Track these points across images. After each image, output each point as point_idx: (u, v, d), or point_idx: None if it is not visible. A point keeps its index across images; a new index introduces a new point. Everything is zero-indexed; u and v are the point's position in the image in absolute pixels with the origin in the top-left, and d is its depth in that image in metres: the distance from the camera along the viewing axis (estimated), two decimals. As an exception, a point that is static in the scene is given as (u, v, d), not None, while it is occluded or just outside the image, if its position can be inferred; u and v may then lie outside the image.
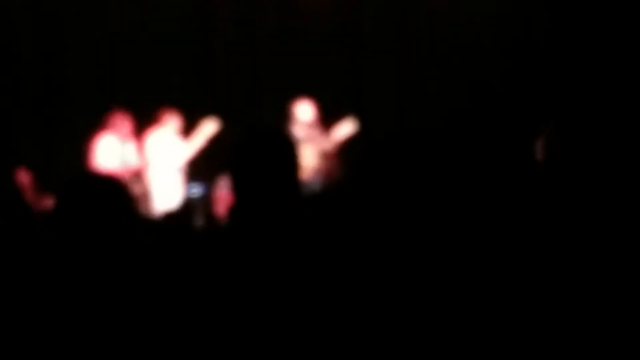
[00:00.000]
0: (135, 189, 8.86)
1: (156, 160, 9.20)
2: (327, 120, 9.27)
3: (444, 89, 9.95)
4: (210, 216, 8.71)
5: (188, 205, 8.86)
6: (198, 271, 2.47)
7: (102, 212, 2.58)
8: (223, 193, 8.80)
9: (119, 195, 2.60)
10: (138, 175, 9.22)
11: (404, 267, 2.34)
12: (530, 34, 10.18)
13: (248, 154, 2.54)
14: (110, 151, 9.04)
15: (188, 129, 9.39)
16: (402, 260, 2.35)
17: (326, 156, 9.15)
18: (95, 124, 9.12)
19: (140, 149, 9.25)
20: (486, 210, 2.41)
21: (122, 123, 9.10)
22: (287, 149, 2.57)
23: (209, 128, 9.24)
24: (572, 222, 2.41)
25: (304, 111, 9.18)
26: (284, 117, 9.10)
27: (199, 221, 8.13)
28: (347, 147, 9.13)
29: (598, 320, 2.32)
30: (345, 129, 9.16)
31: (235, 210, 2.55)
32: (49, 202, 7.88)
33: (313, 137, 9.10)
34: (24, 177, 8.30)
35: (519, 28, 10.21)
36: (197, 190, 9.28)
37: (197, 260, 2.48)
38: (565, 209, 2.43)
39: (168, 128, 9.27)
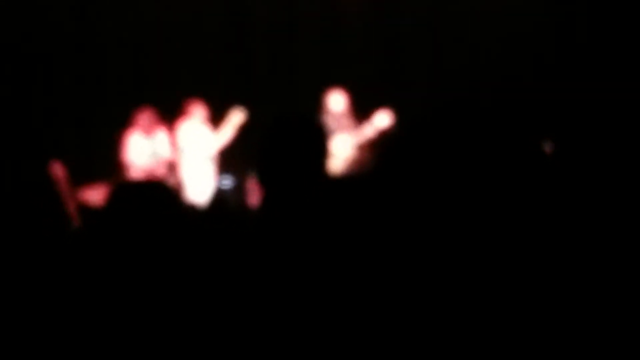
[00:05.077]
0: (170, 182, 8.87)
1: (187, 151, 9.21)
2: (361, 111, 9.22)
3: (478, 83, 9.88)
4: (242, 207, 8.72)
5: (220, 197, 8.86)
6: (230, 259, 2.47)
7: (152, 218, 2.58)
8: (255, 183, 8.80)
9: (169, 202, 2.59)
10: (170, 167, 9.24)
11: (428, 256, 2.32)
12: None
13: (276, 140, 2.53)
14: (140, 147, 9.05)
15: (219, 119, 9.38)
16: (426, 250, 2.32)
17: (360, 147, 9.10)
18: (128, 117, 9.15)
19: (171, 140, 9.25)
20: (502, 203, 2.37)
21: (150, 118, 9.10)
22: (316, 135, 2.55)
23: (237, 118, 9.22)
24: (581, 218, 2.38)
25: (337, 101, 9.14)
26: (317, 107, 9.07)
27: (231, 212, 8.13)
28: (381, 140, 9.07)
29: (600, 321, 2.30)
30: (379, 120, 9.08)
31: (264, 197, 2.54)
32: (82, 195, 7.90)
33: (346, 128, 9.05)
34: (58, 170, 8.33)
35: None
36: (228, 181, 9.28)
37: (231, 248, 2.49)
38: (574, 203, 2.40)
39: (196, 119, 9.26)
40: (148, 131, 9.09)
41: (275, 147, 2.52)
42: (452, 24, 10.33)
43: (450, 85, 10.03)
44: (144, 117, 9.09)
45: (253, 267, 2.43)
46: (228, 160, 9.41)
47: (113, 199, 2.60)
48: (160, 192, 2.55)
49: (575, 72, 9.78)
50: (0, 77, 9.64)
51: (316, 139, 2.54)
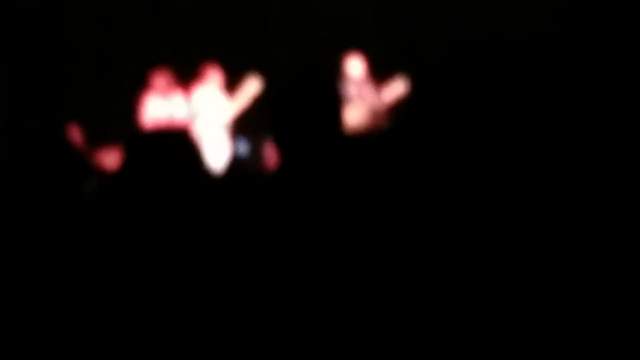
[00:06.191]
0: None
1: (201, 117, 9.15)
2: (379, 77, 9.13)
3: (500, 56, 9.74)
4: (259, 173, 8.68)
5: (236, 164, 8.83)
6: (247, 224, 2.46)
7: (173, 166, 2.55)
8: (271, 147, 8.75)
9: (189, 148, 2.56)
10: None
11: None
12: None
13: (290, 99, 2.49)
14: (157, 110, 9.00)
15: (234, 84, 9.32)
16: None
17: (376, 115, 9.02)
18: (145, 79, 9.10)
19: (187, 103, 9.19)
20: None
21: (165, 80, 9.04)
22: (331, 93, 2.51)
23: (252, 87, 9.13)
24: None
25: (355, 67, 9.06)
26: (334, 72, 8.99)
27: (248, 179, 8.08)
28: (398, 107, 8.98)
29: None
30: (397, 87, 8.97)
31: (281, 159, 2.52)
32: (98, 158, 7.89)
33: (364, 95, 8.97)
34: (75, 133, 8.33)
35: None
36: (244, 148, 9.23)
37: (248, 213, 2.47)
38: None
39: (212, 84, 9.20)
40: (165, 93, 9.03)
41: (290, 106, 2.49)
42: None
43: (467, 52, 9.88)
44: (161, 78, 9.03)
45: (270, 229, 2.42)
46: (244, 124, 9.36)
47: (129, 152, 2.56)
48: (181, 144, 2.51)
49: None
50: (17, 39, 9.60)
51: (330, 97, 2.50)
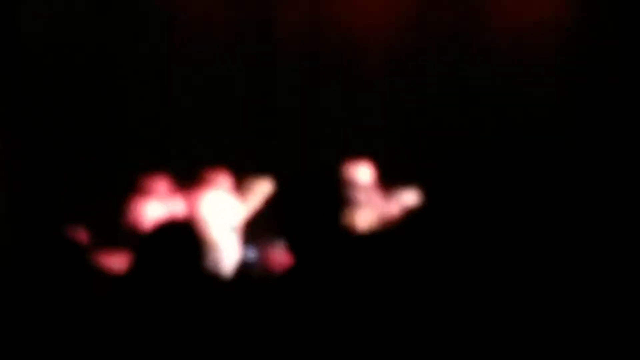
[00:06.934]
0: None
1: (211, 222, 9.07)
2: (387, 185, 9.09)
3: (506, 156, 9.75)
4: (266, 277, 8.57)
5: (244, 269, 8.76)
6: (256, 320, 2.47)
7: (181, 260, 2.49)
8: (278, 253, 8.67)
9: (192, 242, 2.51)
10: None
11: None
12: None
13: (296, 196, 2.57)
14: (156, 215, 8.94)
15: (243, 186, 9.29)
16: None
17: (386, 222, 8.94)
18: (143, 184, 9.09)
19: (188, 208, 9.12)
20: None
21: (163, 185, 9.02)
22: (333, 189, 2.59)
23: (263, 188, 9.12)
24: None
25: (364, 173, 9.03)
26: (342, 179, 8.95)
27: (255, 283, 7.96)
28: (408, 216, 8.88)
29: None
30: (407, 197, 8.92)
31: (293, 260, 2.55)
32: (103, 261, 7.82)
33: (373, 201, 8.92)
34: (81, 236, 8.28)
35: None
36: (253, 254, 9.15)
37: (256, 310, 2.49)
38: None
39: (220, 188, 9.16)
40: (164, 198, 8.99)
41: (296, 203, 2.55)
42: (479, 97, 10.27)
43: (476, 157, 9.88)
44: (160, 184, 9.01)
45: (283, 322, 2.42)
46: (252, 230, 9.29)
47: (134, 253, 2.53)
48: (184, 236, 2.46)
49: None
50: (27, 142, 9.63)
51: (334, 191, 2.57)
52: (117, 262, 7.72)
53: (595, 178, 2.58)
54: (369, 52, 10.39)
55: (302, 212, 2.53)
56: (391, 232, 2.62)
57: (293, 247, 2.54)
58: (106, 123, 10.14)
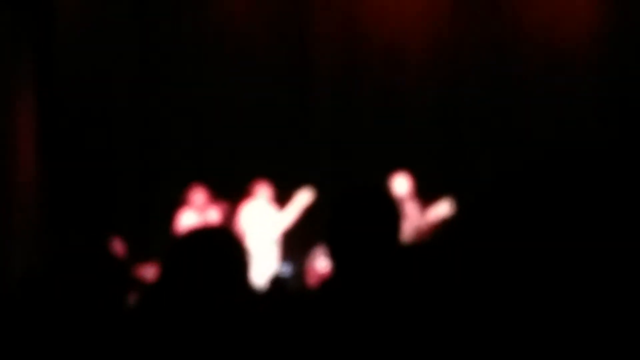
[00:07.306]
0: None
1: (251, 233, 9.07)
2: (424, 197, 9.03)
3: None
4: (301, 292, 8.54)
5: (278, 283, 8.73)
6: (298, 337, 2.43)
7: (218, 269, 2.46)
8: (316, 266, 8.63)
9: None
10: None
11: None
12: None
13: (348, 212, 2.49)
14: (192, 225, 8.95)
15: (283, 199, 9.28)
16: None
17: (420, 234, 8.89)
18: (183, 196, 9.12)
19: (232, 221, 9.14)
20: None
21: (203, 197, 9.04)
22: (389, 207, 2.51)
23: (303, 198, 9.13)
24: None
25: (400, 184, 8.99)
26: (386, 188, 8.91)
27: (289, 298, 7.93)
28: (442, 228, 8.84)
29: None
30: (442, 209, 8.87)
31: (334, 270, 2.50)
32: (140, 272, 7.83)
33: (409, 213, 8.87)
34: (118, 247, 8.32)
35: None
36: (288, 269, 9.13)
37: (292, 329, 2.45)
38: None
39: (261, 199, 9.17)
40: (201, 209, 9.01)
41: (347, 219, 2.47)
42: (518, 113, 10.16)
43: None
44: (197, 195, 9.03)
45: (325, 342, 2.37)
46: (288, 245, 9.28)
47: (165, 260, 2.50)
48: (221, 243, 2.43)
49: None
50: (65, 152, 9.69)
51: (389, 209, 2.49)
52: (151, 273, 7.75)
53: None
54: (405, 63, 10.35)
55: (360, 228, 2.47)
56: (427, 244, 2.57)
57: (342, 263, 2.47)
58: (144, 134, 10.19)
